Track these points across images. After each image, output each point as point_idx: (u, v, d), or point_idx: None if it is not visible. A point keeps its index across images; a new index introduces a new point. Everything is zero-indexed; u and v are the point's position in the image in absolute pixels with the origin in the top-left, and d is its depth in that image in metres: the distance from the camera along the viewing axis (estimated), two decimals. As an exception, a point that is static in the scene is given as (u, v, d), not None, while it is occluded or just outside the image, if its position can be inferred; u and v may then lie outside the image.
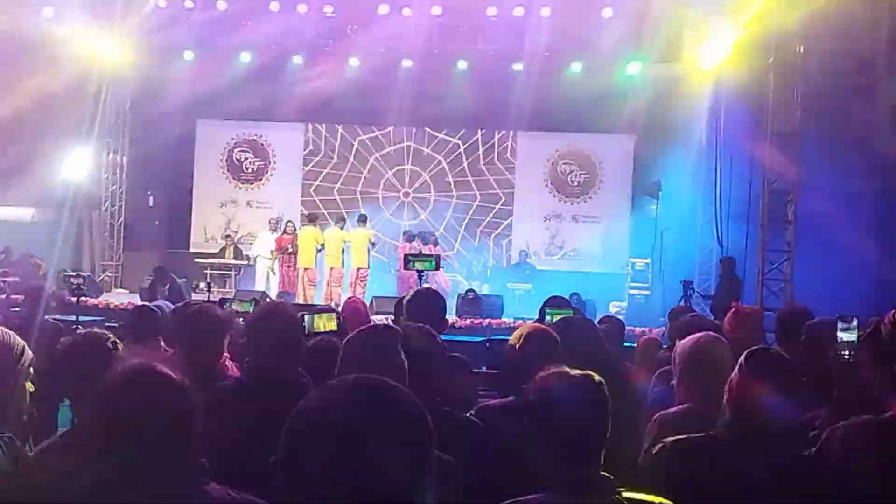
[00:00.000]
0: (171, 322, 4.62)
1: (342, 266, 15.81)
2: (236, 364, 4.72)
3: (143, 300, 12.99)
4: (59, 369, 2.82)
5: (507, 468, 3.00)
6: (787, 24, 13.23)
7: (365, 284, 15.87)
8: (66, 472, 2.01)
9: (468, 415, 3.43)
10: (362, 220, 16.34)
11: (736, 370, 2.95)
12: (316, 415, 1.43)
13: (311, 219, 16.50)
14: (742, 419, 2.86)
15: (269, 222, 17.08)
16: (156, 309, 5.09)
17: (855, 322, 3.57)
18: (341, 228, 16.13)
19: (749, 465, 2.74)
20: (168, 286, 13.91)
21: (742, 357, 2.97)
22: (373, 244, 16.22)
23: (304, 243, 15.90)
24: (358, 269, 15.87)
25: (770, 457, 2.78)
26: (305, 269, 15.87)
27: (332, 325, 4.75)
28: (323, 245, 15.79)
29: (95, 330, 3.13)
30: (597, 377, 2.45)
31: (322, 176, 19.00)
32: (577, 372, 2.45)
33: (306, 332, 4.23)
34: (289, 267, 15.99)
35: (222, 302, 6.36)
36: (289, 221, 16.71)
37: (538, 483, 2.37)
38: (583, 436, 2.33)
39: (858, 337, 3.34)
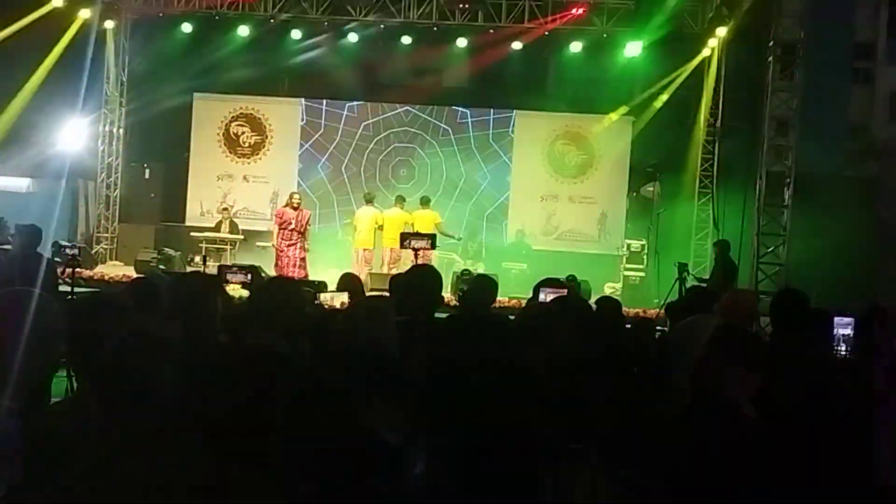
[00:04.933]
0: (168, 290, 4.61)
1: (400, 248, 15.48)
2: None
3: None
4: (65, 328, 2.82)
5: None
6: (788, 6, 13.21)
7: None
8: (69, 436, 2.02)
9: None
10: (425, 202, 16.14)
11: (704, 344, 2.96)
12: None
13: (369, 199, 16.14)
14: (705, 397, 2.88)
15: (292, 197, 15.38)
16: (155, 280, 5.10)
17: (851, 319, 3.60)
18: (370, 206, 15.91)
19: (709, 445, 2.75)
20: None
21: (711, 332, 2.99)
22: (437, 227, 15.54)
23: (362, 224, 15.65)
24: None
25: (735, 436, 2.80)
26: (364, 249, 15.62)
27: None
28: (381, 226, 15.52)
29: (100, 291, 3.14)
30: None
31: (319, 152, 18.93)
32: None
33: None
34: (290, 245, 14.77)
35: (221, 270, 6.40)
36: (295, 193, 15.59)
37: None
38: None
39: (855, 332, 3.37)
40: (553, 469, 2.27)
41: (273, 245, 14.99)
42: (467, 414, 3.12)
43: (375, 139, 18.83)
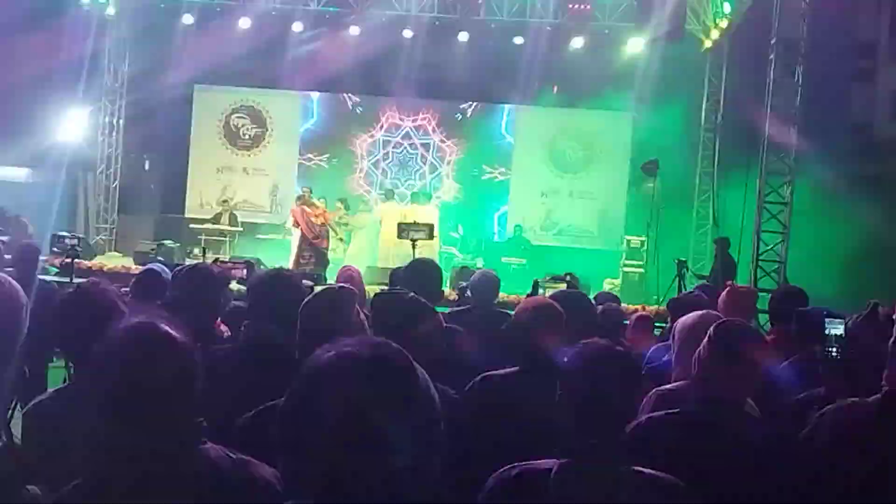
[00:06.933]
0: (170, 283, 4.60)
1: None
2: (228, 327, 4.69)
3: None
4: (59, 319, 2.80)
5: (512, 436, 3.01)
6: (790, 4, 13.18)
7: None
8: (62, 428, 2.01)
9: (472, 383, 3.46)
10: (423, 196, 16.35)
11: (705, 342, 2.93)
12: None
13: (389, 195, 16.27)
14: (709, 393, 2.86)
15: (304, 191, 15.59)
16: (161, 271, 5.08)
17: (842, 320, 3.59)
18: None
19: (714, 444, 2.74)
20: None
21: (711, 329, 2.95)
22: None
23: (387, 218, 15.72)
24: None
25: (740, 435, 2.78)
26: (394, 245, 15.75)
27: None
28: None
29: (98, 280, 3.11)
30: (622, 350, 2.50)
31: (319, 144, 18.92)
32: (605, 343, 2.49)
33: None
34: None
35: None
36: (307, 188, 15.43)
37: (547, 450, 2.39)
38: (605, 406, 2.34)
39: (846, 331, 3.36)
40: (576, 465, 2.27)
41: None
42: (472, 409, 3.11)
43: (376, 132, 18.80)
